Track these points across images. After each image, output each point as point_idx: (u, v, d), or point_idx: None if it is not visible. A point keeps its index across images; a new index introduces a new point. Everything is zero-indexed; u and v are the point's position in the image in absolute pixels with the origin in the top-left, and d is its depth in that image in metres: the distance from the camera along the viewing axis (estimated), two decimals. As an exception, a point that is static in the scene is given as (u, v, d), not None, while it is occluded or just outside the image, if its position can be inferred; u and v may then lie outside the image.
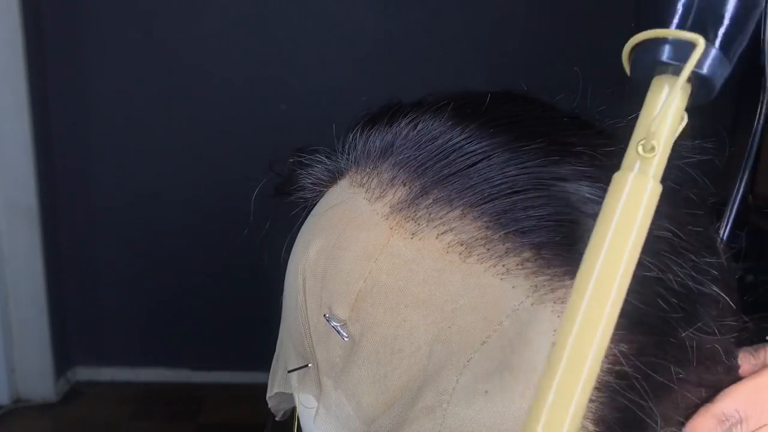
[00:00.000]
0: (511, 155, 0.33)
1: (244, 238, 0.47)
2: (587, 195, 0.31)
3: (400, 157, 0.35)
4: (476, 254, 0.31)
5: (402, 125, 0.36)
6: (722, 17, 0.25)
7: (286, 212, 0.42)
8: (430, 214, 0.33)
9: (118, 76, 2.12)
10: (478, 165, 0.33)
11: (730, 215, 0.39)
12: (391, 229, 0.33)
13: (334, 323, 0.34)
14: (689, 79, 0.25)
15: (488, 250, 0.31)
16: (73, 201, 2.21)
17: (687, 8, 0.26)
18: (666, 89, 0.26)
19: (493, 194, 0.32)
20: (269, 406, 0.44)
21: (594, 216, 0.26)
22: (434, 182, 0.33)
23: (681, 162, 0.33)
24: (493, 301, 0.31)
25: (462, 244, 0.32)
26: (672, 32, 0.25)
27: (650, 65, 0.26)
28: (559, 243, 0.31)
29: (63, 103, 2.13)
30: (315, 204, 0.40)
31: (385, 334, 0.32)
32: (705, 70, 0.25)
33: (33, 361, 2.17)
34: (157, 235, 2.22)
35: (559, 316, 0.30)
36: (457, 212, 0.32)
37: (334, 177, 0.39)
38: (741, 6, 0.26)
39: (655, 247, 0.29)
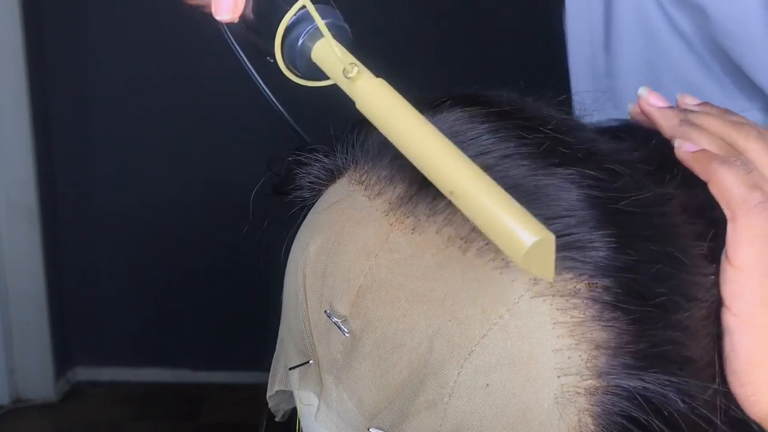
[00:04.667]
0: (510, 149, 0.33)
1: (243, 237, 0.47)
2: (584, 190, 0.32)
3: (399, 155, 0.35)
4: (475, 248, 0.32)
5: None
6: None
7: (286, 211, 0.42)
8: (429, 209, 0.33)
9: (118, 76, 2.12)
10: (477, 159, 0.33)
11: None
12: (391, 224, 0.34)
13: (334, 319, 0.34)
14: (330, 29, 0.36)
15: (487, 243, 0.31)
16: (73, 201, 2.21)
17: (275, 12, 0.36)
18: (325, 43, 0.36)
19: None
20: (269, 405, 0.44)
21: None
22: None
23: None
24: (493, 295, 0.31)
25: (462, 238, 0.32)
26: (285, 20, 0.36)
27: (303, 48, 0.37)
28: (557, 236, 0.31)
29: (63, 103, 2.13)
30: (314, 203, 0.40)
31: (386, 330, 0.33)
32: (327, 19, 0.36)
33: (33, 361, 2.17)
34: (157, 235, 2.22)
35: (558, 309, 0.31)
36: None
37: (333, 175, 0.39)
38: None
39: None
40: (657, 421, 0.30)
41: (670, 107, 0.40)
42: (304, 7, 0.36)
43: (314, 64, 0.36)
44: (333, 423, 0.35)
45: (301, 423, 0.40)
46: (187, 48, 2.11)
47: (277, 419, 0.45)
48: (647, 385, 0.31)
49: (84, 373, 2.32)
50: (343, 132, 0.39)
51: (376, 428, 0.33)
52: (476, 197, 0.28)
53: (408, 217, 0.33)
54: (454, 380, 0.31)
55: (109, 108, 2.14)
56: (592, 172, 0.33)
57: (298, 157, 0.41)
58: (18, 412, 2.15)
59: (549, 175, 0.32)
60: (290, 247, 0.40)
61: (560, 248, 0.31)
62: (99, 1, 2.07)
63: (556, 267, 0.30)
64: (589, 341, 0.31)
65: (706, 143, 0.36)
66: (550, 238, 0.26)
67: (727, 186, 0.33)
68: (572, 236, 0.31)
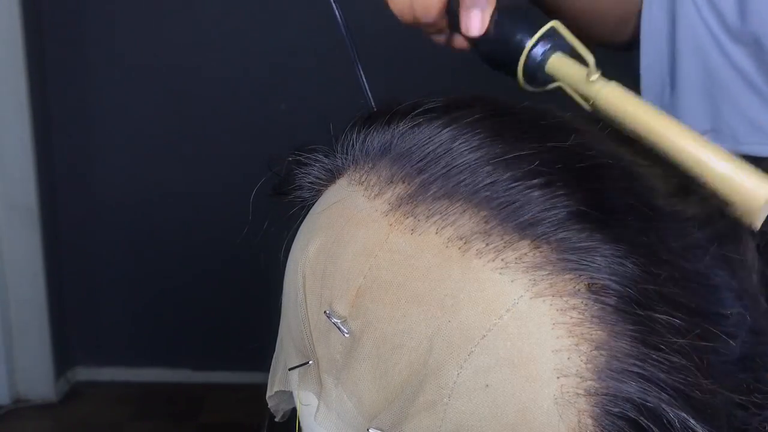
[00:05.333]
0: (510, 151, 0.33)
1: (243, 237, 0.47)
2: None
3: (399, 155, 0.35)
4: (475, 248, 0.32)
5: (400, 123, 0.36)
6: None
7: (286, 212, 0.42)
8: (429, 210, 0.33)
9: (118, 76, 2.12)
10: (478, 160, 0.33)
11: None
12: (391, 225, 0.34)
13: (334, 320, 0.34)
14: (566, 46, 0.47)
15: (487, 244, 0.31)
16: (73, 201, 2.21)
17: (523, 27, 0.48)
18: (561, 57, 0.47)
19: (492, 188, 0.32)
20: (269, 406, 0.44)
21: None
22: (433, 178, 0.33)
23: None
24: (492, 295, 0.31)
25: (461, 239, 0.32)
26: (532, 41, 0.47)
27: (542, 60, 0.47)
28: (557, 238, 0.31)
29: (63, 103, 2.13)
30: (314, 203, 0.40)
31: (385, 330, 0.33)
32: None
33: (33, 361, 2.17)
34: (157, 234, 2.22)
35: (558, 310, 0.31)
36: (457, 207, 0.32)
37: (333, 176, 0.39)
38: None
39: None
40: (656, 427, 0.30)
41: None
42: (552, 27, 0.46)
43: (545, 73, 0.46)
44: (332, 423, 0.35)
45: (301, 423, 0.40)
46: (187, 48, 2.11)
47: (276, 419, 0.45)
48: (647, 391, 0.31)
49: (84, 373, 2.32)
50: (343, 132, 0.39)
51: (376, 429, 0.33)
52: (714, 167, 0.38)
53: (408, 217, 0.33)
54: (453, 381, 0.31)
55: (109, 108, 2.14)
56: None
57: (297, 158, 0.41)
58: (18, 412, 2.15)
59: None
60: (290, 248, 0.40)
61: (561, 250, 0.31)
62: (99, 2, 2.07)
63: (555, 269, 0.30)
64: (589, 342, 0.31)
65: None
66: None
67: None
68: (573, 238, 0.31)
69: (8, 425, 2.12)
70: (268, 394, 0.42)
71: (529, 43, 0.46)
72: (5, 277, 2.12)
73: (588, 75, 0.43)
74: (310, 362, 0.37)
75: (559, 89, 0.46)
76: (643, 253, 0.32)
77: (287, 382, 0.40)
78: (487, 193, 0.32)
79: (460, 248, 0.32)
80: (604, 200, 0.33)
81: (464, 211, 0.32)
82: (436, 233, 0.32)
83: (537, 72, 0.47)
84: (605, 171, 0.34)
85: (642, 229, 0.32)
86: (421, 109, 0.36)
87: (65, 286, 2.24)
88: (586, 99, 0.44)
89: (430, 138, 0.34)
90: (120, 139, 2.17)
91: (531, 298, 0.31)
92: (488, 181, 0.32)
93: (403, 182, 0.34)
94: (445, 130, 0.34)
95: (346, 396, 0.35)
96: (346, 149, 0.38)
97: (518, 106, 0.38)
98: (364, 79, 0.49)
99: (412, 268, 0.32)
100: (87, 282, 2.27)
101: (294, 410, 0.41)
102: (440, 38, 0.60)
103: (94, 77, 2.12)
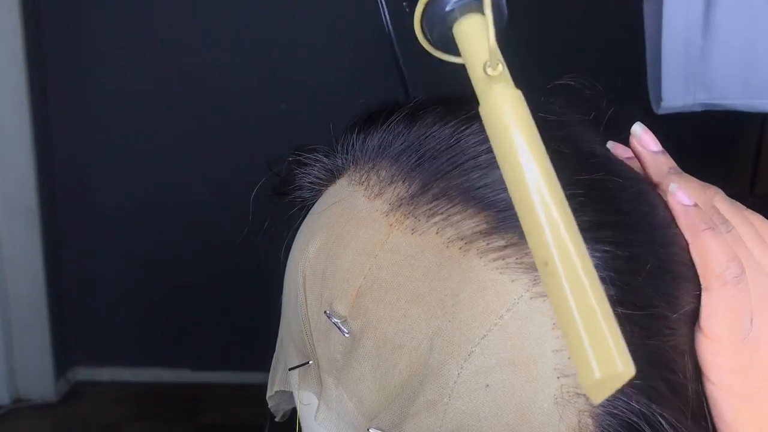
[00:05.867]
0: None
1: (243, 237, 0.47)
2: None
3: (399, 155, 0.35)
4: (476, 248, 0.32)
5: (400, 123, 0.36)
6: None
7: (286, 212, 0.42)
8: (429, 210, 0.33)
9: (118, 76, 2.12)
10: (477, 160, 0.33)
11: None
12: (391, 225, 0.34)
13: (334, 320, 0.34)
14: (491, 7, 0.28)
15: (488, 244, 0.31)
16: (73, 201, 2.21)
17: None
18: (478, 21, 0.29)
19: (492, 189, 0.32)
20: (269, 406, 0.44)
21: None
22: (433, 178, 0.33)
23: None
24: (492, 295, 0.31)
25: (462, 239, 0.32)
26: None
27: (445, 16, 0.30)
28: None
29: (63, 103, 2.13)
30: (314, 203, 0.40)
31: (386, 330, 0.33)
32: None
33: (33, 361, 2.17)
34: (156, 235, 2.22)
35: None
36: (457, 207, 0.32)
37: (333, 176, 0.39)
38: None
39: None
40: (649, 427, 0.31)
41: (662, 152, 0.39)
42: None
43: (450, 36, 0.31)
44: (333, 423, 0.35)
45: (301, 423, 0.40)
46: (188, 49, 2.12)
47: (276, 419, 0.45)
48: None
49: (84, 373, 2.32)
50: (343, 132, 0.39)
51: (376, 429, 0.33)
52: (571, 289, 0.24)
53: (408, 217, 0.33)
54: (453, 381, 0.31)
55: (109, 108, 2.14)
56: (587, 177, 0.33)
57: (297, 158, 0.41)
58: (18, 412, 2.15)
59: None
60: (290, 248, 0.40)
61: None
62: (99, 2, 2.07)
63: None
64: (589, 342, 0.31)
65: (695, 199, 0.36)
66: (627, 373, 0.23)
67: (708, 254, 0.33)
68: None
69: (8, 425, 2.12)
70: (268, 394, 0.42)
71: None
72: (5, 277, 2.12)
73: (486, 64, 0.28)
74: (310, 362, 0.37)
75: (451, 64, 0.32)
76: (641, 256, 0.32)
77: (287, 382, 0.40)
78: (488, 193, 0.32)
79: (460, 248, 0.32)
80: (607, 204, 0.33)
81: (465, 211, 0.32)
82: (437, 233, 0.32)
83: (437, 29, 0.31)
84: (609, 178, 0.34)
85: (643, 239, 0.33)
86: (421, 108, 0.36)
87: (65, 286, 2.24)
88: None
89: (429, 137, 0.34)
90: (120, 140, 2.17)
91: (531, 298, 0.31)
92: (488, 180, 0.32)
93: (404, 182, 0.34)
94: (445, 129, 0.34)
95: (346, 396, 0.35)
96: (346, 149, 0.38)
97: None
98: (405, 74, 0.44)
99: (412, 268, 0.32)
100: (87, 282, 2.27)
101: (294, 410, 0.41)
102: None
103: (94, 77, 2.12)
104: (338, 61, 2.11)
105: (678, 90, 0.71)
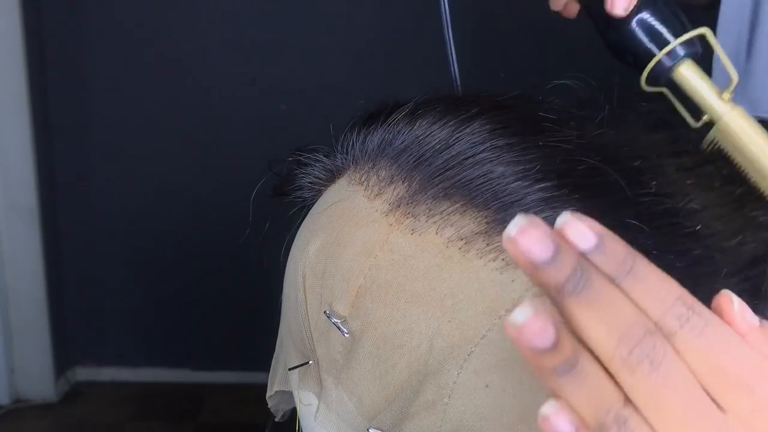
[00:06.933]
0: (509, 150, 0.33)
1: (244, 237, 0.47)
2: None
3: (399, 155, 0.35)
4: (476, 249, 0.32)
5: (400, 123, 0.36)
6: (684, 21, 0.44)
7: (286, 212, 0.42)
8: (429, 210, 0.33)
9: (118, 76, 2.12)
10: (477, 159, 0.33)
11: None
12: (391, 225, 0.34)
13: (334, 320, 0.34)
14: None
15: (488, 244, 0.31)
16: (73, 201, 2.20)
17: (671, 23, 0.43)
18: (693, 66, 0.43)
19: (492, 189, 0.32)
20: (269, 406, 0.44)
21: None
22: (433, 178, 0.33)
23: None
24: (492, 295, 0.31)
25: (462, 239, 0.32)
26: (677, 42, 0.43)
27: (674, 64, 0.43)
28: None
29: (63, 103, 2.13)
30: (314, 203, 0.40)
31: (385, 330, 0.33)
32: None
33: (33, 361, 2.17)
34: (157, 235, 2.22)
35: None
36: (457, 207, 0.32)
37: (333, 176, 0.39)
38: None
39: None
40: None
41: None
42: (703, 35, 0.43)
43: (669, 78, 0.43)
44: (332, 423, 0.35)
45: (301, 423, 0.40)
46: (188, 50, 2.12)
47: (276, 419, 0.45)
48: None
49: (84, 373, 2.32)
50: (343, 132, 0.39)
51: (376, 429, 0.33)
52: None
53: (408, 217, 0.33)
54: (453, 381, 0.31)
55: (109, 108, 2.14)
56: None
57: (298, 158, 0.41)
58: (18, 412, 2.15)
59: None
60: (290, 248, 0.40)
61: None
62: (99, 3, 2.07)
63: None
64: (589, 342, 0.31)
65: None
66: None
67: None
68: None
69: (8, 425, 2.12)
70: (268, 394, 0.42)
71: (673, 44, 0.43)
72: (5, 277, 2.11)
73: (723, 92, 0.41)
74: (310, 362, 0.37)
75: (661, 95, 0.43)
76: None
77: (287, 382, 0.40)
78: (488, 193, 0.32)
79: (460, 248, 0.32)
80: (604, 201, 0.33)
81: (464, 212, 0.32)
82: (437, 233, 0.32)
83: (662, 74, 0.43)
84: (605, 174, 0.34)
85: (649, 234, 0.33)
86: (420, 108, 0.36)
87: (65, 286, 2.24)
88: (695, 116, 0.42)
89: (429, 137, 0.34)
90: (120, 139, 2.17)
91: (531, 298, 0.31)
92: (488, 180, 0.32)
93: (403, 182, 0.34)
94: (444, 129, 0.34)
95: (346, 396, 0.34)
96: (346, 149, 0.38)
97: (517, 99, 0.37)
98: (456, 67, 0.48)
99: (412, 268, 0.32)
100: (87, 282, 2.27)
101: (294, 410, 0.41)
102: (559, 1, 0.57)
103: (94, 78, 2.12)
104: (338, 61, 2.11)
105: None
